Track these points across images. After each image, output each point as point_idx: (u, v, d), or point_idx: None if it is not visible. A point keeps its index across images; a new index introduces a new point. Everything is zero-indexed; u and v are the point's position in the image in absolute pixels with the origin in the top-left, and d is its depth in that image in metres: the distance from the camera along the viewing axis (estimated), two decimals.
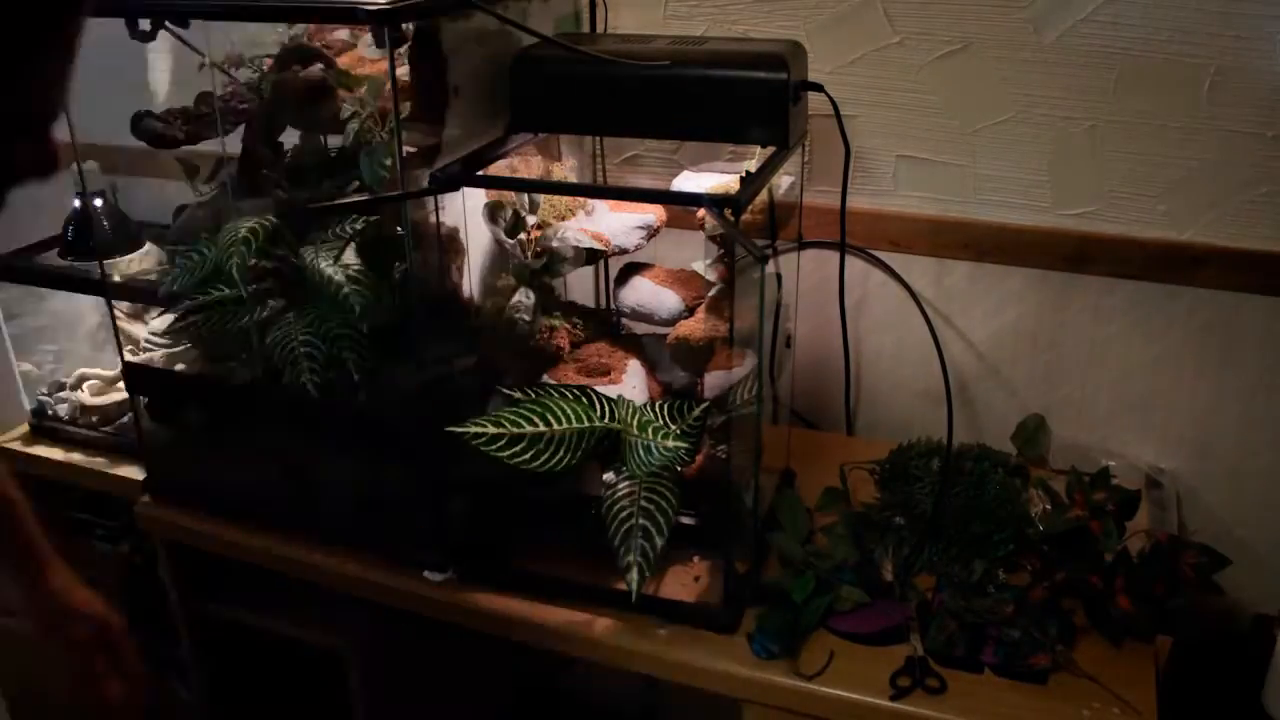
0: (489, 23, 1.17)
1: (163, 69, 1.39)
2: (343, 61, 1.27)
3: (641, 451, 1.09)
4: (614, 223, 1.30)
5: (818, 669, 1.08)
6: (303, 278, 1.26)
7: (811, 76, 1.21)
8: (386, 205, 1.20)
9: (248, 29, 1.32)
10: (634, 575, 1.07)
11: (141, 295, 1.59)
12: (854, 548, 1.18)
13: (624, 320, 1.37)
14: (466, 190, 1.17)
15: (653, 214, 1.31)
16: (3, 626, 1.73)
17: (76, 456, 1.64)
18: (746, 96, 1.09)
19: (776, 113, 1.09)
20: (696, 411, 1.16)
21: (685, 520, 1.14)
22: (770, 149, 1.13)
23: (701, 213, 1.14)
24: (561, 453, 1.11)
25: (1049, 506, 1.24)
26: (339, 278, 1.20)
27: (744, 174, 1.06)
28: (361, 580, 1.28)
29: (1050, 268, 1.39)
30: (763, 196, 1.16)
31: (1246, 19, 1.21)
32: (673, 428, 1.14)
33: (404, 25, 1.07)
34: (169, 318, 1.38)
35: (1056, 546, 1.17)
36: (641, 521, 1.09)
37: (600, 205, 1.33)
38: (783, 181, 1.26)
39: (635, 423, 1.13)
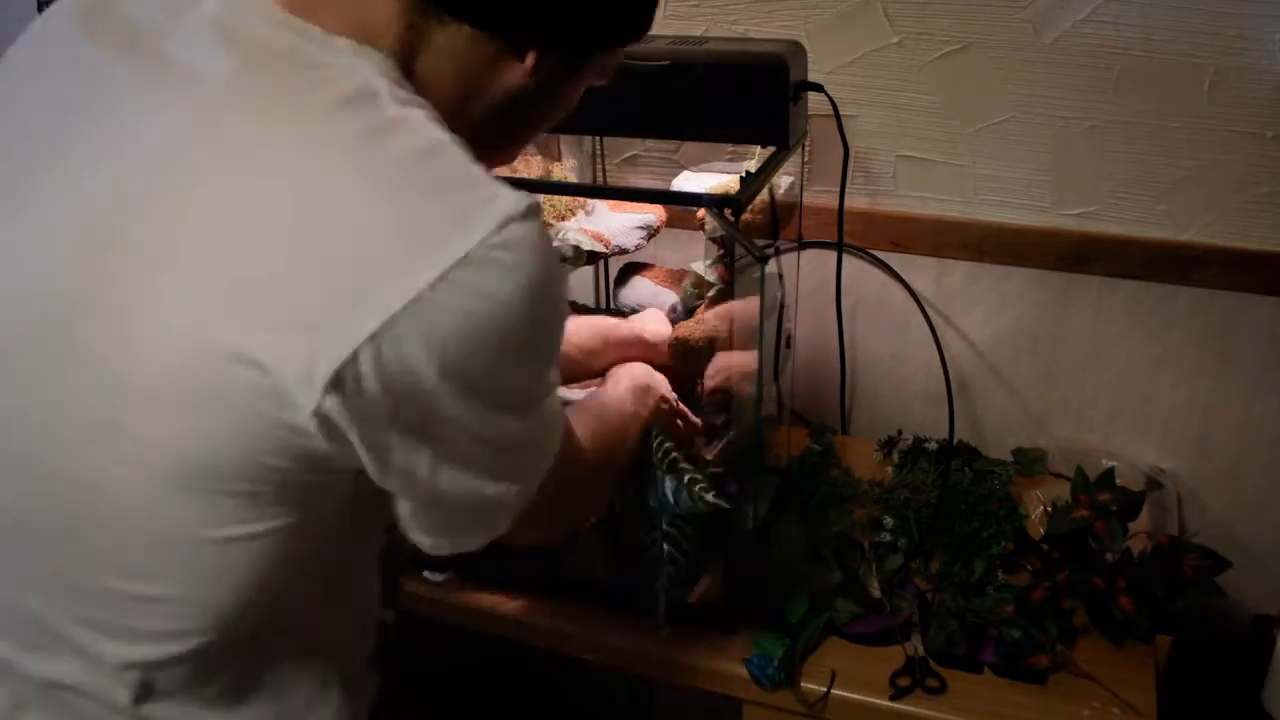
0: None
1: None
2: None
3: (671, 495, 1.06)
4: (614, 223, 1.29)
5: (818, 679, 1.08)
6: None
7: (811, 76, 1.21)
8: None
9: None
10: (661, 603, 1.08)
11: None
12: (838, 570, 1.18)
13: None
14: None
15: (653, 214, 1.31)
16: None
17: None
18: (746, 96, 1.09)
19: (776, 113, 1.09)
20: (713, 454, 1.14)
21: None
22: (770, 149, 1.13)
23: (701, 213, 1.14)
24: None
25: (1048, 508, 1.24)
26: None
27: (744, 174, 1.06)
28: None
29: (1050, 268, 1.40)
30: (763, 196, 1.16)
31: (1246, 19, 1.21)
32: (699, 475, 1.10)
33: None
34: None
35: (1058, 547, 1.17)
36: (667, 549, 1.09)
37: (600, 205, 1.33)
38: (783, 181, 1.26)
39: (662, 456, 1.07)
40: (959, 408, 1.44)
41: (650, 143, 1.53)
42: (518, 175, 1.27)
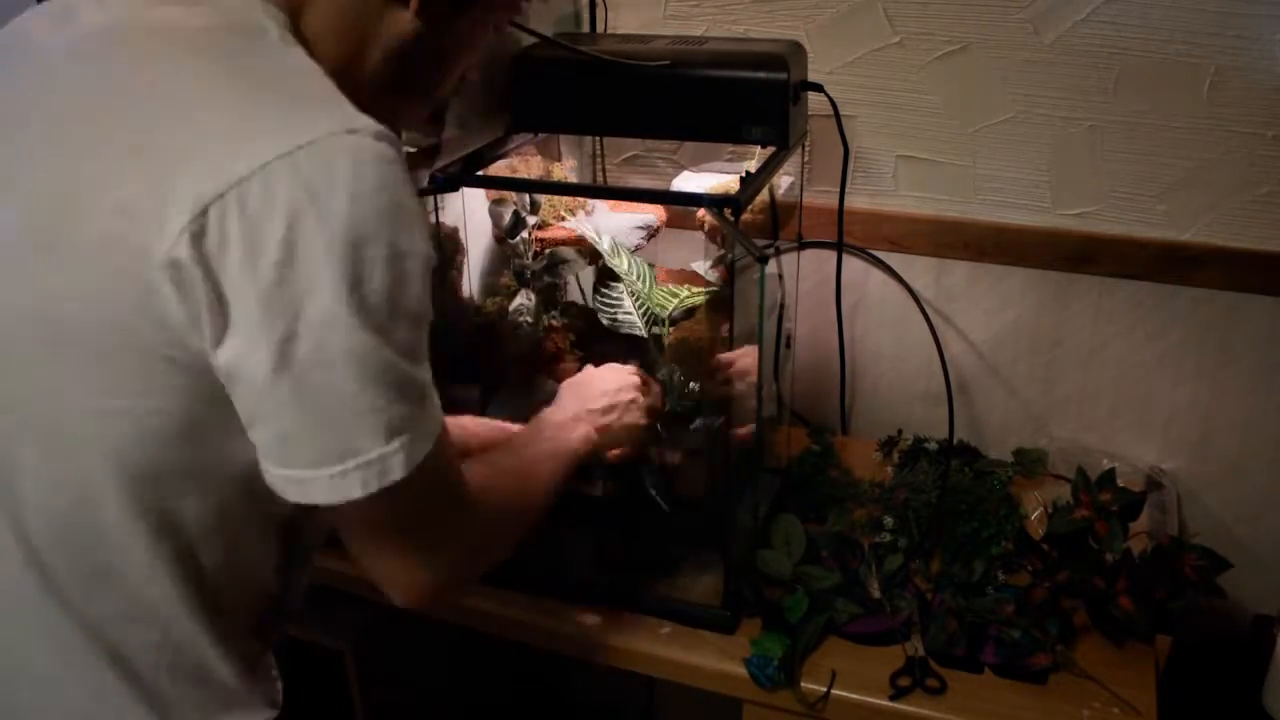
0: None
1: None
2: None
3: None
4: (614, 223, 1.30)
5: (818, 679, 1.09)
6: None
7: (811, 76, 1.21)
8: None
9: None
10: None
11: None
12: (838, 571, 1.18)
13: None
14: (466, 190, 1.17)
15: (653, 214, 1.31)
16: None
17: None
18: (746, 96, 1.09)
19: (776, 113, 1.09)
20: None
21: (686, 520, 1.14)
22: (770, 149, 1.13)
23: (701, 213, 1.14)
24: None
25: (1048, 508, 1.24)
26: None
27: (744, 174, 1.06)
28: (362, 580, 1.28)
29: (1050, 268, 1.40)
30: (763, 196, 1.16)
31: (1246, 19, 1.21)
32: None
33: None
34: None
35: (1059, 547, 1.17)
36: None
37: (600, 205, 1.33)
38: (783, 181, 1.26)
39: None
40: (959, 408, 1.44)
41: (650, 143, 1.53)
42: (518, 175, 1.28)
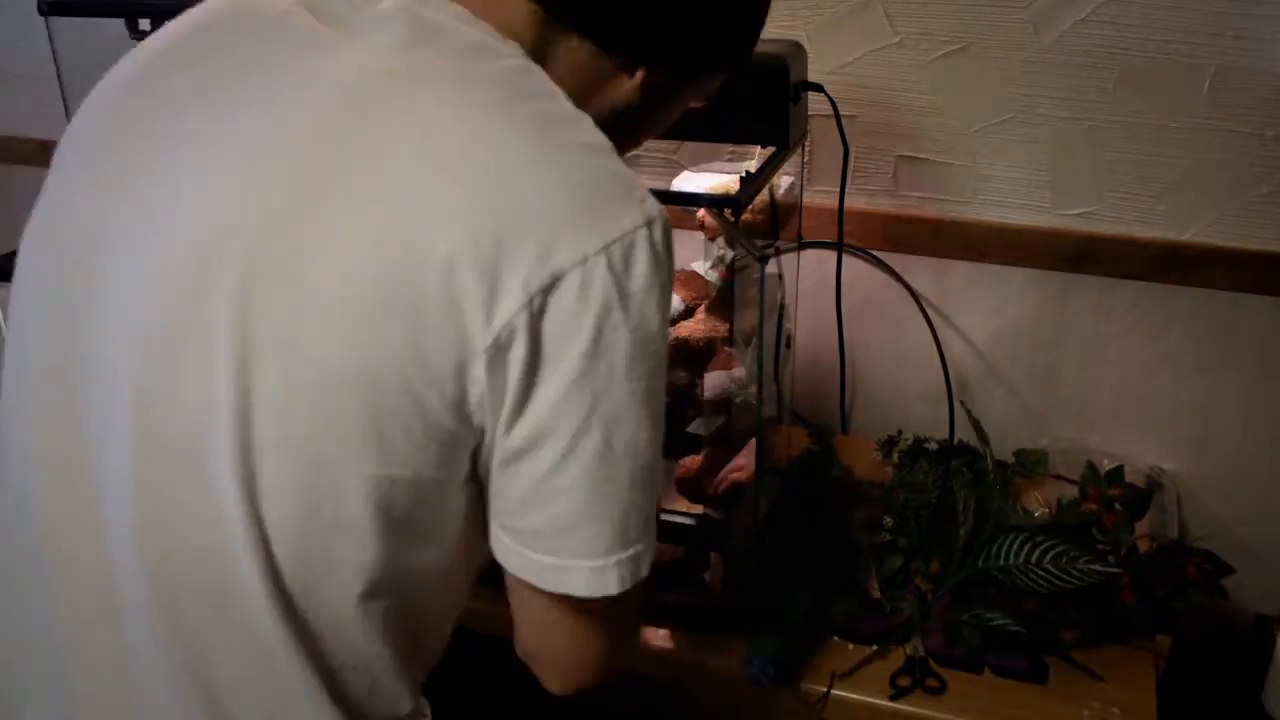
0: None
1: None
2: None
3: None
4: None
5: (818, 680, 1.08)
6: None
7: (811, 76, 1.21)
8: None
9: None
10: None
11: None
12: (838, 571, 1.18)
13: None
14: None
15: None
16: None
17: None
18: (746, 96, 1.09)
19: (776, 113, 1.09)
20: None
21: (685, 520, 1.14)
22: (770, 149, 1.13)
23: (702, 213, 1.14)
24: None
25: (1049, 509, 1.24)
26: None
27: (744, 174, 1.06)
28: None
29: (1050, 268, 1.40)
30: (763, 196, 1.16)
31: (1246, 19, 1.21)
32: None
33: None
34: None
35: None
36: None
37: None
38: (783, 181, 1.26)
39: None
40: (958, 408, 1.44)
41: (650, 143, 1.52)
42: None
